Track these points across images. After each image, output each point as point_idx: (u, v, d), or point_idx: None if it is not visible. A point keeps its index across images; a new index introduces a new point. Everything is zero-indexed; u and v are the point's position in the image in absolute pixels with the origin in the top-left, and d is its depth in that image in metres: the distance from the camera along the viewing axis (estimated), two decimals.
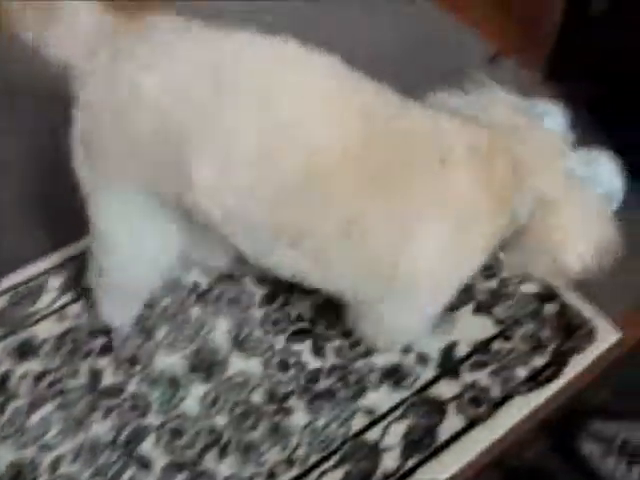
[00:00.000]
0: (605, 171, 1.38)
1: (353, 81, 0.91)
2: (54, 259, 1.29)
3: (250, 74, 0.86)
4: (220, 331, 1.22)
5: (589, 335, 1.23)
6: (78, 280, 1.25)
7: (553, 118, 1.48)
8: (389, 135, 0.88)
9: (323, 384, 1.17)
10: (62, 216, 1.28)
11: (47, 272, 1.28)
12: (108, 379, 1.16)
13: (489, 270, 1.31)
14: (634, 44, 1.52)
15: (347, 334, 1.22)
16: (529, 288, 1.29)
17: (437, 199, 0.89)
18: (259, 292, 1.27)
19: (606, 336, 1.24)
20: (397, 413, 1.14)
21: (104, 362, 1.18)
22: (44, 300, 1.24)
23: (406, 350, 1.20)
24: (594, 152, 1.41)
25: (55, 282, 1.27)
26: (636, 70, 1.53)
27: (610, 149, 1.41)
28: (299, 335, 1.22)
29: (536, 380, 1.18)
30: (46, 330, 1.20)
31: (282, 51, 0.88)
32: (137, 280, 1.11)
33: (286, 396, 1.15)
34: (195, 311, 1.25)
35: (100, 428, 1.11)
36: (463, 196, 0.90)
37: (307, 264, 0.95)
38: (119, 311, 1.21)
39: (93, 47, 0.89)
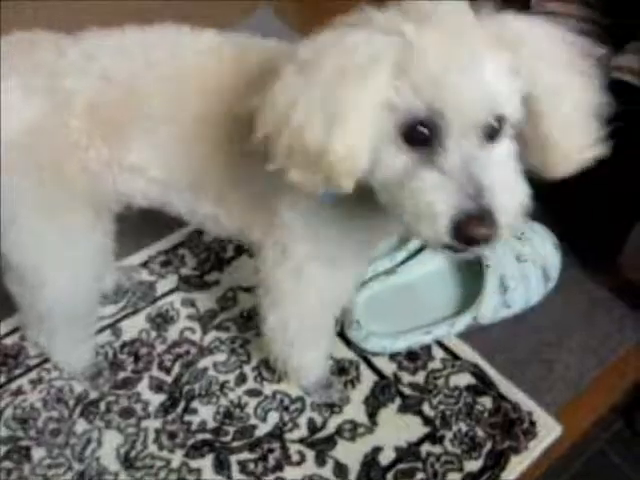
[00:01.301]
0: (542, 246, 1.31)
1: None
2: None
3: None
4: (108, 448, 1.08)
5: (529, 431, 1.12)
6: None
7: None
8: None
9: None
10: None
11: None
12: None
13: (415, 362, 1.19)
14: None
15: (254, 445, 1.09)
16: (461, 380, 1.18)
17: None
18: (156, 400, 1.14)
19: (548, 431, 1.12)
20: None
21: None
22: None
23: (323, 461, 1.08)
24: (532, 227, 1.34)
25: None
26: None
27: (547, 224, 1.35)
28: (200, 449, 1.08)
29: None
30: None
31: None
32: (73, 303, 1.03)
33: None
34: (80, 425, 1.10)
35: None
36: None
37: (216, 211, 0.95)
38: (74, 352, 1.15)
39: None
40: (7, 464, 1.05)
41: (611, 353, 1.25)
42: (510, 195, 0.68)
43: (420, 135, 0.67)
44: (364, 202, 0.77)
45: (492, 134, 0.68)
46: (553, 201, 1.46)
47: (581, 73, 0.72)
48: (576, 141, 0.73)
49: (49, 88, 0.85)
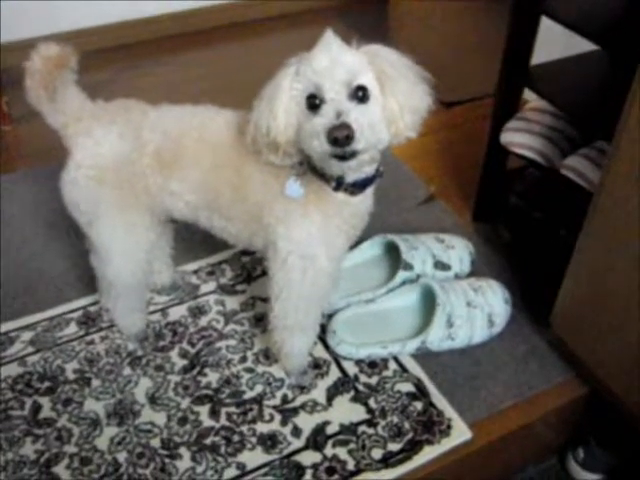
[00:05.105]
0: (493, 298, 1.74)
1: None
2: (27, 320, 1.76)
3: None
4: (141, 389, 1.62)
5: (445, 432, 1.55)
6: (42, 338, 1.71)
7: (458, 250, 1.88)
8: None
9: (210, 439, 1.53)
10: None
11: (18, 329, 1.74)
12: (45, 413, 1.57)
13: (373, 369, 1.66)
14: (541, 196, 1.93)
15: (240, 404, 1.59)
16: (404, 387, 1.63)
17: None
18: (180, 363, 1.68)
19: (459, 435, 1.54)
20: (262, 471, 1.49)
21: (45, 400, 1.59)
22: (13, 349, 1.69)
23: (285, 423, 1.56)
24: (486, 281, 1.79)
25: (25, 336, 1.72)
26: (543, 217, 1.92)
27: (506, 281, 1.79)
28: (202, 400, 1.60)
29: (388, 461, 1.51)
30: (7, 371, 1.64)
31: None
32: (130, 278, 1.58)
33: (177, 445, 1.52)
34: (126, 371, 1.66)
35: (28, 449, 1.51)
36: None
37: (227, 224, 1.48)
38: (130, 318, 1.70)
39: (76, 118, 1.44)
40: (74, 386, 1.62)
41: (529, 390, 1.65)
42: (367, 124, 1.16)
43: (314, 103, 1.19)
44: (321, 206, 1.36)
45: (362, 98, 1.19)
46: (514, 262, 1.92)
47: (414, 82, 1.24)
48: (405, 121, 1.23)
49: (134, 136, 1.43)
